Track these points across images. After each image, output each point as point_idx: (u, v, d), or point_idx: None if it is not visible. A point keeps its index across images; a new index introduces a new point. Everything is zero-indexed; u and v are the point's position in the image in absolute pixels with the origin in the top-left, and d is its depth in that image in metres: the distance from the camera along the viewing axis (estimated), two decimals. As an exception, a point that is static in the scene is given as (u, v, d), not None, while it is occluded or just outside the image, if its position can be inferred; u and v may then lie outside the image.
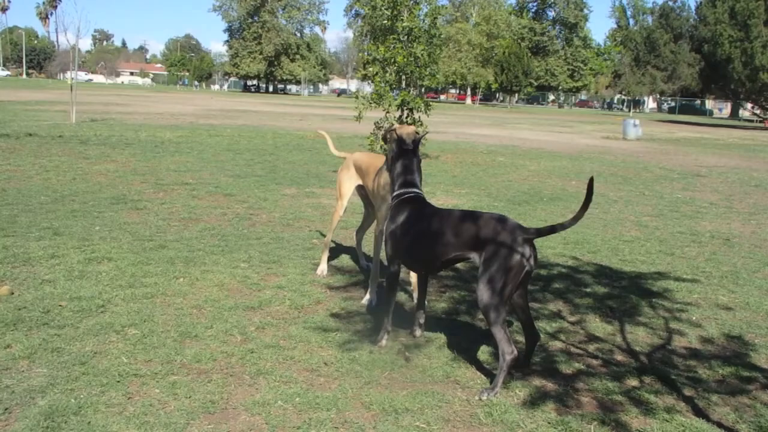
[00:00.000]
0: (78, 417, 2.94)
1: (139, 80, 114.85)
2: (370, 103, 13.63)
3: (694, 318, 4.67)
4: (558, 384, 3.51)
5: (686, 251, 6.77)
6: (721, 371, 3.76)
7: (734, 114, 72.37)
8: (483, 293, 3.36)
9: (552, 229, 3.42)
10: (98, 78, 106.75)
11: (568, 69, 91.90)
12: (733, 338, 4.31)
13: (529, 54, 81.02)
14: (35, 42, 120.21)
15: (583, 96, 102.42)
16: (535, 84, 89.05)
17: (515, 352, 3.38)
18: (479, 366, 3.70)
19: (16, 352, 3.54)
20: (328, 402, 3.19)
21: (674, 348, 4.11)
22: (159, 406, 3.08)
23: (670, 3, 63.61)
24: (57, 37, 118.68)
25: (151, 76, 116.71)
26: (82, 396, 3.11)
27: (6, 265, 5.03)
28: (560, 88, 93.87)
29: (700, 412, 3.25)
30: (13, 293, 4.43)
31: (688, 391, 3.48)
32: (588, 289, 5.26)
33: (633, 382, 3.57)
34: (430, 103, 14.20)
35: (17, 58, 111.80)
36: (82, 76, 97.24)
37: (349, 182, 5.25)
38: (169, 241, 6.11)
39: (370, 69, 14.72)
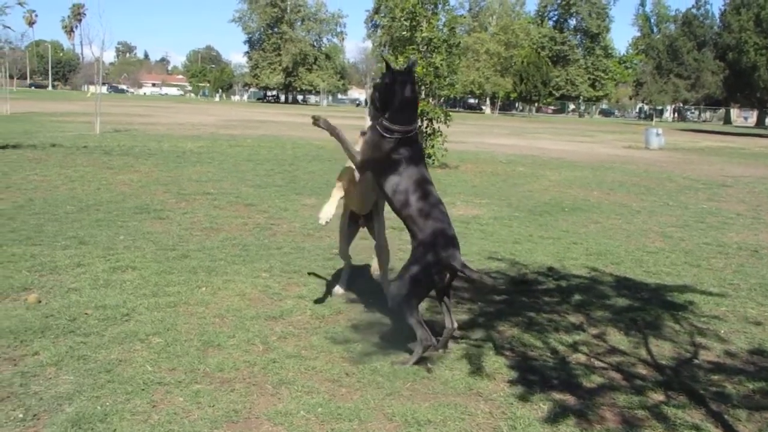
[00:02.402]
0: (104, 424, 2.97)
1: (173, 90, 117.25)
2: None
3: (721, 332, 4.61)
4: (580, 398, 3.48)
5: (713, 263, 6.69)
6: (749, 387, 3.71)
7: (760, 122, 71.42)
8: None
9: None
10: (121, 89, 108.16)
11: (589, 78, 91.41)
12: (762, 353, 4.25)
13: (549, 63, 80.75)
14: (60, 54, 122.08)
15: (604, 105, 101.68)
16: (557, 94, 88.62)
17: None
18: (502, 378, 3.68)
19: (44, 359, 3.58)
20: (351, 413, 3.19)
21: (701, 362, 4.05)
22: (183, 414, 3.10)
23: (694, 10, 63.23)
24: (81, 49, 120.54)
25: (189, 87, 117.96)
26: (107, 403, 3.14)
27: (33, 274, 5.10)
28: (581, 97, 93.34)
29: (728, 429, 3.21)
30: (40, 301, 4.49)
31: (715, 407, 3.44)
32: (611, 302, 5.22)
33: (658, 397, 3.53)
34: (450, 113, 14.23)
35: (43, 70, 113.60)
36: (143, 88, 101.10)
37: None
38: (192, 250, 6.15)
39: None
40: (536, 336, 4.35)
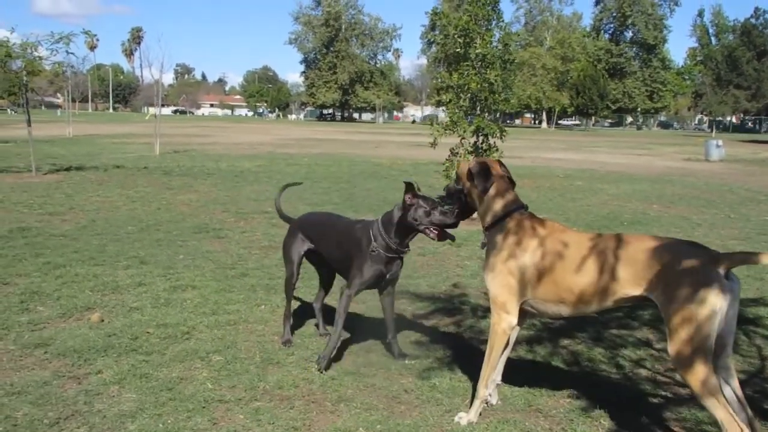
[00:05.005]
0: (166, 441, 3.02)
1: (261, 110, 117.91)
2: (445, 130, 13.67)
3: (791, 347, 4.43)
4: (645, 414, 3.38)
5: (779, 277, 6.44)
6: (823, 405, 3.54)
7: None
8: None
9: None
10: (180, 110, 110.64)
11: (647, 90, 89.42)
12: (835, 369, 4.06)
13: (606, 76, 79.53)
14: (121, 77, 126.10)
15: (662, 117, 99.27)
16: (614, 108, 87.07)
17: None
18: (562, 394, 3.61)
19: (107, 377, 3.67)
20: (409, 429, 3.17)
21: (770, 379, 3.90)
22: (243, 431, 3.13)
23: (752, 20, 61.53)
24: (141, 72, 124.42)
25: (269, 108, 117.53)
26: (169, 421, 3.19)
27: (96, 293, 5.25)
28: (638, 110, 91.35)
29: (802, 448, 3.07)
30: (103, 320, 4.61)
31: (788, 426, 3.29)
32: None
33: (727, 415, 3.40)
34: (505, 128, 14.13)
35: (104, 93, 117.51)
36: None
37: None
38: (250, 269, 6.24)
39: (444, 96, 14.75)
40: (600, 351, 4.26)
